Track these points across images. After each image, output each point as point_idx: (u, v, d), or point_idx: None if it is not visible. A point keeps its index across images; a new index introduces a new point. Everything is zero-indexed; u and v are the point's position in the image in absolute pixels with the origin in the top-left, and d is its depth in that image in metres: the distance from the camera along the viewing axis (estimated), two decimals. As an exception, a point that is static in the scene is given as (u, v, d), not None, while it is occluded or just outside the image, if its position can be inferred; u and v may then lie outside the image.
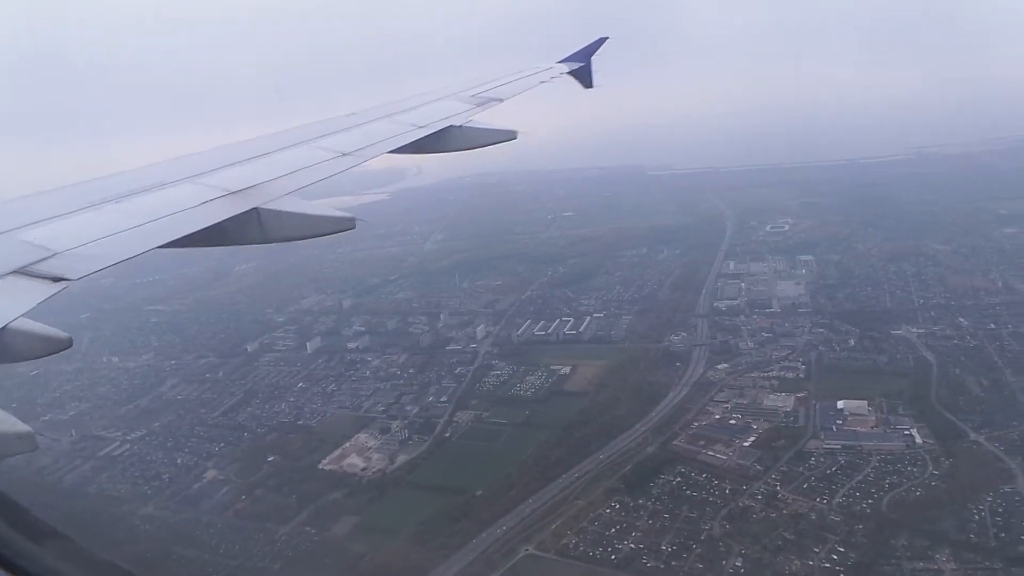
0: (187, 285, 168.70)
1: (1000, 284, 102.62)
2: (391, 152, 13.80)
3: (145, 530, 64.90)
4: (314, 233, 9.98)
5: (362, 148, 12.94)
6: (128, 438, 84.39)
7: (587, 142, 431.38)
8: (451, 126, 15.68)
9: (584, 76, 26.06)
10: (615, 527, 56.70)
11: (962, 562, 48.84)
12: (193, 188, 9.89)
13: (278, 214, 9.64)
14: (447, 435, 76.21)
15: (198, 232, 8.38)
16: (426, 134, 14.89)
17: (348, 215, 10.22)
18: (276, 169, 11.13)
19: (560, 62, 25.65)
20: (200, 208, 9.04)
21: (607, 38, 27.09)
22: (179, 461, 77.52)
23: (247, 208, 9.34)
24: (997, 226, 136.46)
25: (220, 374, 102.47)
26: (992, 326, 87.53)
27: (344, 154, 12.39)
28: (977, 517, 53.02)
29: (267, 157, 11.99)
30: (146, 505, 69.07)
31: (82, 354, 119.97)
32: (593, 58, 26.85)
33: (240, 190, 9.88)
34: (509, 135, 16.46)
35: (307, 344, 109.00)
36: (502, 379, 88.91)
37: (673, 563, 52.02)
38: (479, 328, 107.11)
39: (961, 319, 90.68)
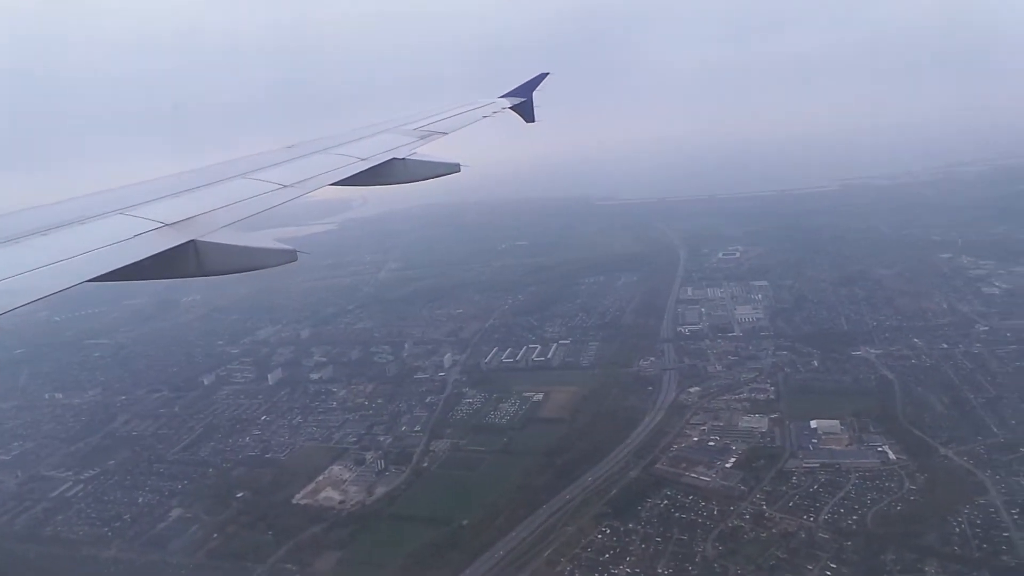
0: (130, 317, 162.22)
1: (945, 306, 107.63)
2: (333, 184, 13.62)
3: (108, 574, 61.01)
4: (254, 266, 9.77)
5: (302, 180, 12.70)
6: (81, 477, 79.76)
7: (531, 174, 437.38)
8: (394, 159, 15.56)
9: (526, 111, 26.56)
10: (608, 552, 56.25)
11: (950, 573, 50.21)
12: (126, 220, 9.51)
13: (216, 247, 9.37)
14: (425, 465, 74.60)
15: (131, 265, 8.07)
16: (368, 166, 14.74)
17: (289, 248, 9.98)
18: (213, 201, 10.84)
19: (502, 96, 26.08)
20: (133, 241, 8.70)
21: (548, 73, 27.74)
22: (140, 500, 73.57)
23: (183, 240, 9.05)
24: (933, 251, 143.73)
25: (176, 409, 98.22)
26: (944, 346, 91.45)
27: (284, 186, 12.16)
28: (958, 529, 54.71)
29: (204, 189, 11.70)
30: (108, 548, 65.17)
31: (20, 391, 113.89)
32: (536, 93, 27.58)
33: (176, 222, 9.54)
34: (452, 168, 16.54)
35: (268, 376, 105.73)
36: (475, 407, 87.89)
37: (672, 586, 51.81)
38: (446, 356, 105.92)
39: (915, 340, 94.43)
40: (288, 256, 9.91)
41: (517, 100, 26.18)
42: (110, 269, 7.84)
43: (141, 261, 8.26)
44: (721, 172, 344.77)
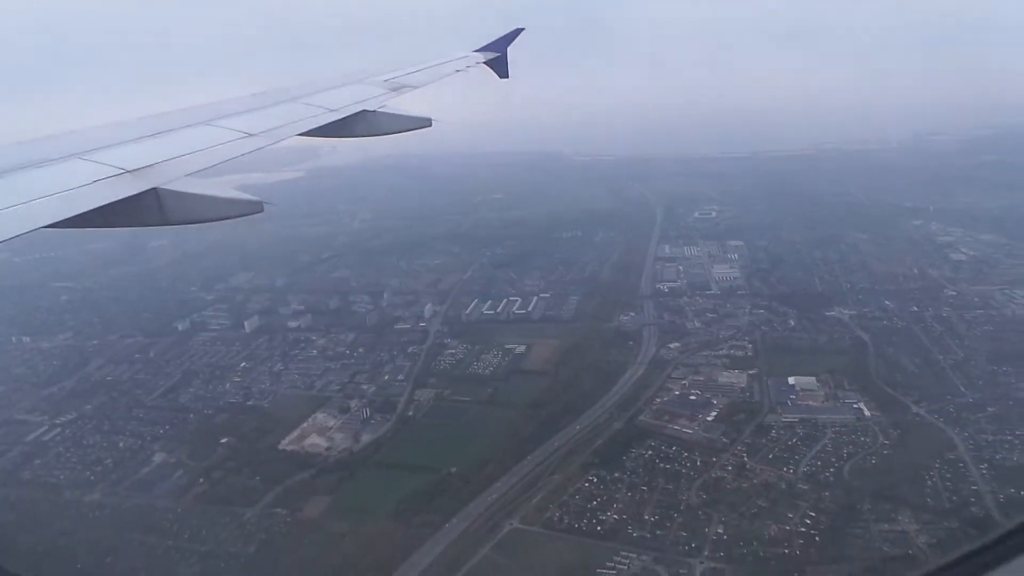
0: (96, 261, 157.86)
1: (916, 271, 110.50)
2: (300, 135, 13.58)
3: (95, 517, 60.67)
4: (218, 216, 9.69)
5: (269, 130, 12.50)
6: (57, 422, 78.34)
7: (505, 128, 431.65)
8: (364, 111, 15.43)
9: (499, 66, 26.34)
10: (596, 500, 57.58)
11: (922, 523, 52.55)
12: (84, 165, 9.28)
13: (179, 195, 9.25)
14: (410, 414, 75.00)
15: (90, 212, 7.93)
16: (337, 118, 14.64)
17: (254, 198, 9.92)
18: (176, 148, 10.63)
19: (476, 51, 25.80)
20: (93, 187, 8.50)
21: (523, 29, 27.46)
22: (121, 445, 72.73)
23: (145, 188, 8.90)
24: (905, 218, 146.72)
25: (151, 354, 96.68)
26: (915, 309, 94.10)
27: (249, 135, 12.00)
28: (929, 482, 57.10)
29: (166, 135, 11.45)
30: (92, 492, 64.47)
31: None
32: (511, 48, 27.34)
33: (137, 169, 9.34)
34: (423, 122, 16.50)
35: (245, 323, 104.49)
36: (457, 358, 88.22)
37: (658, 532, 53.41)
38: (426, 307, 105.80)
39: (887, 302, 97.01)
40: (253, 207, 9.84)
41: (491, 55, 25.88)
42: (69, 215, 7.68)
43: (101, 208, 8.09)
44: (697, 133, 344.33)
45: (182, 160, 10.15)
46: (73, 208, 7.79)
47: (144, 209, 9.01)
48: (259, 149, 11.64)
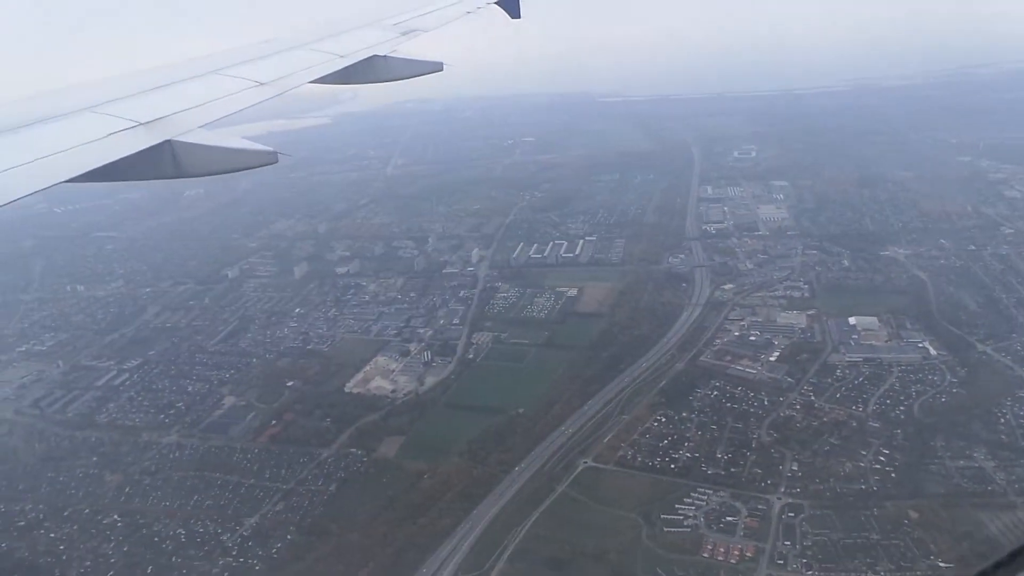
0: (133, 211, 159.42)
1: (969, 209, 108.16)
2: (312, 83, 13.24)
3: (175, 458, 62.61)
4: (233, 167, 9.60)
5: (280, 78, 12.26)
6: (124, 367, 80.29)
7: (529, 69, 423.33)
8: (375, 56, 15.09)
9: (511, 6, 25.52)
10: (667, 439, 58.32)
11: (999, 460, 52.75)
12: (97, 119, 9.14)
13: (193, 147, 9.14)
14: (470, 356, 75.79)
15: (105, 166, 7.83)
16: (349, 64, 14.29)
17: (269, 148, 9.78)
18: (188, 100, 10.46)
19: None
20: (107, 140, 8.38)
21: None
22: (190, 389, 74.46)
23: (159, 141, 8.78)
24: (952, 154, 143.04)
25: (206, 301, 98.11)
26: (972, 247, 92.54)
27: (261, 84, 11.76)
28: (1002, 420, 57.13)
29: (177, 86, 11.22)
30: (168, 433, 66.38)
31: (38, 283, 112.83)
32: None
33: (150, 121, 9.19)
34: (436, 66, 16.28)
35: (294, 269, 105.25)
36: (510, 301, 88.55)
37: (732, 469, 54.13)
38: (473, 252, 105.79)
39: (942, 241, 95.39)
40: (268, 157, 9.73)
41: None
42: (86, 170, 7.62)
43: (117, 162, 8.00)
44: (727, 70, 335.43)
45: (195, 111, 10.05)
46: (90, 162, 7.77)
47: (159, 162, 8.97)
48: (271, 98, 11.52)
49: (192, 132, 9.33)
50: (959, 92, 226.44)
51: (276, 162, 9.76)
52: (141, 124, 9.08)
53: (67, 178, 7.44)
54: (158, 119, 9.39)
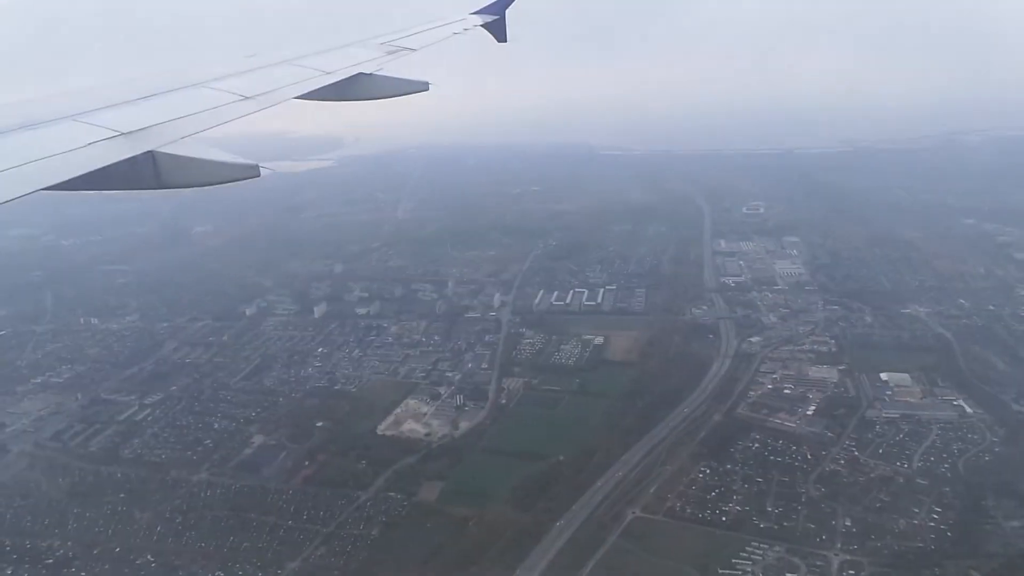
0: (143, 245, 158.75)
1: (982, 270, 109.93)
2: (297, 98, 13.24)
3: (207, 497, 60.96)
4: (215, 180, 9.54)
5: (265, 92, 12.23)
6: (146, 402, 78.83)
7: (529, 119, 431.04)
8: (361, 74, 15.17)
9: (498, 30, 25.84)
10: (714, 490, 57.63)
11: (1051, 519, 52.44)
12: (79, 127, 9.14)
13: (175, 159, 9.13)
14: (503, 402, 75.03)
15: (85, 175, 7.82)
16: (334, 81, 14.33)
17: (251, 162, 9.70)
18: (172, 111, 10.45)
19: (474, 14, 25.27)
20: (88, 149, 8.39)
21: None
22: (216, 426, 72.98)
23: (141, 151, 8.78)
24: (955, 216, 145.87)
25: (225, 337, 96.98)
26: (991, 307, 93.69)
27: (246, 97, 11.74)
28: (1050, 479, 56.99)
29: (161, 97, 11.21)
30: (197, 471, 64.77)
31: (50, 314, 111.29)
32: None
33: (132, 131, 9.20)
34: (421, 86, 16.26)
35: (314, 309, 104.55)
36: (537, 347, 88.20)
37: (785, 524, 53.43)
38: (494, 297, 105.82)
39: (961, 300, 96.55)
40: (250, 171, 9.70)
41: (489, 18, 25.36)
42: (65, 178, 7.58)
43: (97, 171, 7.99)
44: (725, 128, 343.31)
45: (178, 123, 10.03)
46: (70, 171, 7.72)
47: (140, 172, 8.95)
48: (255, 112, 11.50)
49: (174, 143, 9.31)
50: (950, 157, 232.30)
51: (258, 176, 9.67)
52: (123, 134, 9.04)
53: (45, 185, 7.35)
54: (140, 129, 9.36)
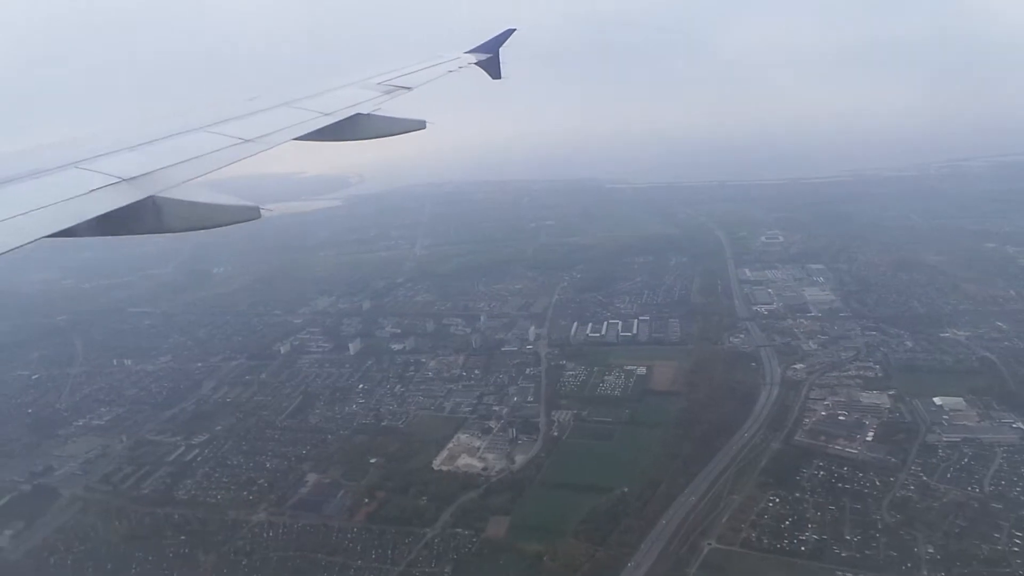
0: (164, 287, 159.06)
1: (1012, 293, 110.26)
2: (296, 139, 13.46)
3: (270, 537, 59.99)
4: (216, 223, 9.68)
5: (265, 135, 12.48)
6: (193, 442, 78.15)
7: (532, 155, 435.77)
8: (359, 114, 15.43)
9: (492, 67, 26.17)
10: (787, 519, 56.89)
11: None
12: (81, 174, 9.32)
13: (177, 203, 9.27)
14: (555, 434, 74.38)
15: (87, 222, 7.99)
16: (332, 122, 14.56)
17: (251, 204, 9.80)
18: (173, 156, 10.66)
19: (467, 52, 25.67)
20: (90, 196, 8.56)
21: (514, 30, 27.33)
22: (268, 465, 72.26)
23: (142, 196, 8.92)
24: (974, 240, 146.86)
25: (263, 376, 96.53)
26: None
27: (246, 140, 11.94)
28: (1125, 500, 56.41)
29: (162, 142, 11.43)
30: (256, 511, 63.87)
31: (82, 357, 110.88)
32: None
33: (134, 177, 9.39)
34: (418, 124, 16.50)
35: (349, 346, 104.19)
36: (580, 379, 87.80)
37: (867, 552, 52.62)
38: (530, 330, 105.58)
39: (998, 323, 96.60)
40: (251, 213, 9.78)
41: (483, 56, 25.72)
42: (67, 226, 7.70)
43: (99, 217, 8.12)
44: (728, 159, 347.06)
45: (179, 167, 10.17)
46: (71, 218, 7.84)
47: (142, 217, 9.05)
48: (255, 154, 11.68)
49: (175, 188, 9.44)
50: (956, 183, 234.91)
51: (259, 217, 9.77)
52: (124, 180, 9.18)
53: (47, 234, 7.46)
54: (142, 175, 9.48)
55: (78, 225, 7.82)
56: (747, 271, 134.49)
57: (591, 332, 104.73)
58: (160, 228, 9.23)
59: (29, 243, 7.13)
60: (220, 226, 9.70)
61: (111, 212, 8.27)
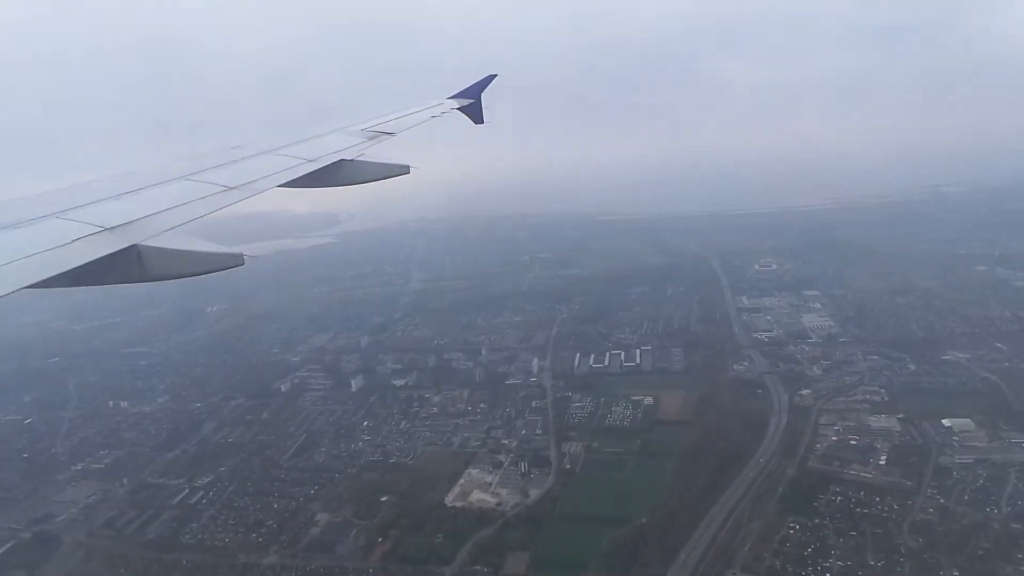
0: (158, 327, 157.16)
1: (1008, 315, 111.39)
2: (280, 187, 13.55)
3: (285, 581, 58.51)
4: (199, 271, 9.73)
5: (248, 183, 12.56)
6: (196, 484, 76.66)
7: (517, 190, 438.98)
8: (342, 160, 15.57)
9: (474, 112, 26.66)
10: (810, 547, 56.35)
11: None
12: (63, 224, 9.41)
13: (159, 251, 9.34)
14: (567, 467, 73.59)
15: (68, 272, 8.10)
16: (316, 168, 14.69)
17: (235, 251, 9.90)
18: (155, 204, 10.75)
19: (450, 98, 26.09)
20: (72, 246, 8.64)
21: (496, 75, 27.95)
22: (275, 506, 70.87)
23: (125, 245, 9.01)
24: (966, 264, 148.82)
25: (264, 415, 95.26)
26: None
27: (229, 188, 12.07)
28: None
29: (145, 191, 11.52)
30: (267, 554, 62.45)
31: (76, 400, 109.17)
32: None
33: (116, 226, 9.47)
34: (402, 169, 16.63)
35: (351, 382, 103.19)
36: (587, 410, 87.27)
37: (892, 577, 52.13)
38: (533, 362, 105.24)
39: (998, 344, 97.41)
40: (234, 260, 9.83)
41: (466, 101, 26.14)
42: (48, 275, 7.77)
43: (80, 267, 8.18)
44: (710, 190, 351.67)
45: (162, 215, 10.22)
46: (52, 268, 7.87)
47: (124, 266, 9.06)
48: (238, 201, 11.69)
49: (158, 236, 9.43)
50: (940, 209, 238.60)
51: (242, 264, 9.75)
52: (107, 229, 9.21)
53: (28, 284, 7.46)
54: (124, 224, 9.48)
55: (59, 275, 7.80)
56: (744, 299, 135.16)
57: (594, 363, 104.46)
58: (143, 277, 9.19)
59: (8, 294, 7.09)
60: (203, 274, 9.65)
61: (93, 261, 8.26)
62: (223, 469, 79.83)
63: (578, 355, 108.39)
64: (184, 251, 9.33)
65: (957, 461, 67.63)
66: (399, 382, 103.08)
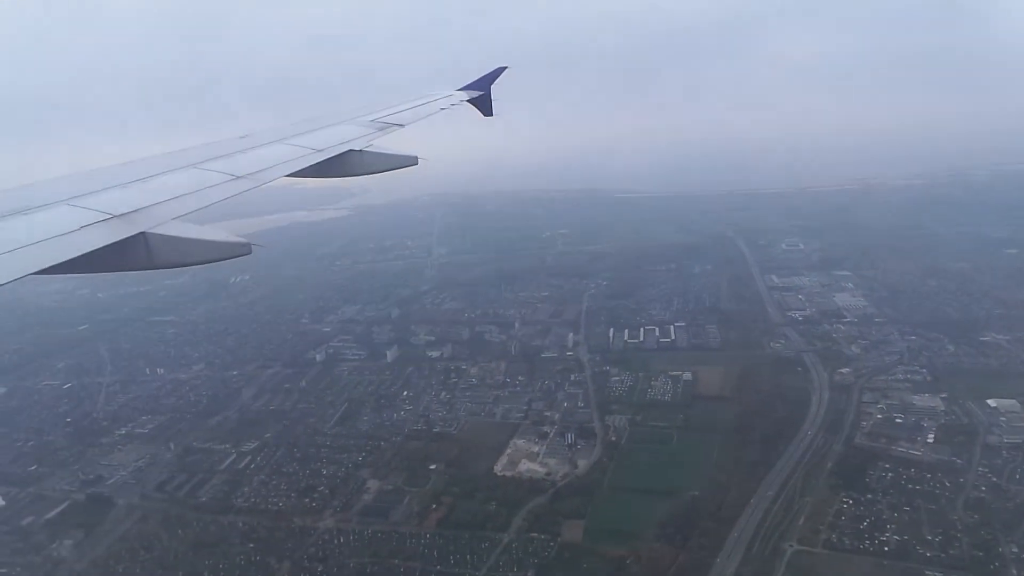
0: (182, 297, 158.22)
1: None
2: (288, 176, 13.57)
3: (341, 544, 59.27)
4: (206, 259, 9.68)
5: (256, 172, 12.56)
6: (243, 450, 77.36)
7: (534, 167, 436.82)
8: (351, 150, 15.52)
9: (484, 104, 26.47)
10: (865, 520, 56.75)
11: None
12: (72, 211, 9.43)
13: (166, 239, 9.29)
14: (613, 439, 74.01)
15: (79, 257, 8.11)
16: (324, 158, 14.66)
17: (243, 240, 9.81)
18: (163, 192, 10.75)
19: (460, 89, 25.96)
20: (80, 232, 8.67)
21: (506, 67, 27.61)
22: (324, 472, 71.55)
23: (133, 233, 8.99)
24: (995, 247, 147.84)
25: (303, 383, 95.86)
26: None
27: (237, 177, 12.07)
28: None
29: (153, 180, 11.54)
30: (322, 518, 63.15)
31: (112, 366, 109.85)
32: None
33: (125, 213, 9.46)
34: (410, 160, 16.56)
35: (386, 353, 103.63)
36: (627, 384, 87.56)
37: (951, 551, 52.53)
38: (568, 336, 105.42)
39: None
40: (242, 248, 9.80)
41: (475, 93, 25.92)
42: (56, 262, 7.80)
43: (89, 254, 8.20)
44: (730, 168, 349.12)
45: (170, 203, 10.24)
46: (61, 254, 7.92)
47: (132, 253, 9.07)
48: (247, 191, 11.64)
49: (166, 224, 9.41)
50: (964, 191, 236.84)
51: (250, 253, 9.67)
52: (115, 216, 9.22)
53: (36, 270, 7.51)
54: (132, 211, 9.51)
55: (68, 261, 7.84)
56: (774, 277, 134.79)
57: (629, 338, 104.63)
58: (151, 264, 9.16)
59: (17, 279, 7.19)
60: (210, 262, 9.61)
61: (101, 248, 8.28)
62: (268, 435, 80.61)
63: (612, 330, 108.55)
64: (192, 239, 9.28)
65: (1006, 441, 67.73)
66: (434, 353, 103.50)
